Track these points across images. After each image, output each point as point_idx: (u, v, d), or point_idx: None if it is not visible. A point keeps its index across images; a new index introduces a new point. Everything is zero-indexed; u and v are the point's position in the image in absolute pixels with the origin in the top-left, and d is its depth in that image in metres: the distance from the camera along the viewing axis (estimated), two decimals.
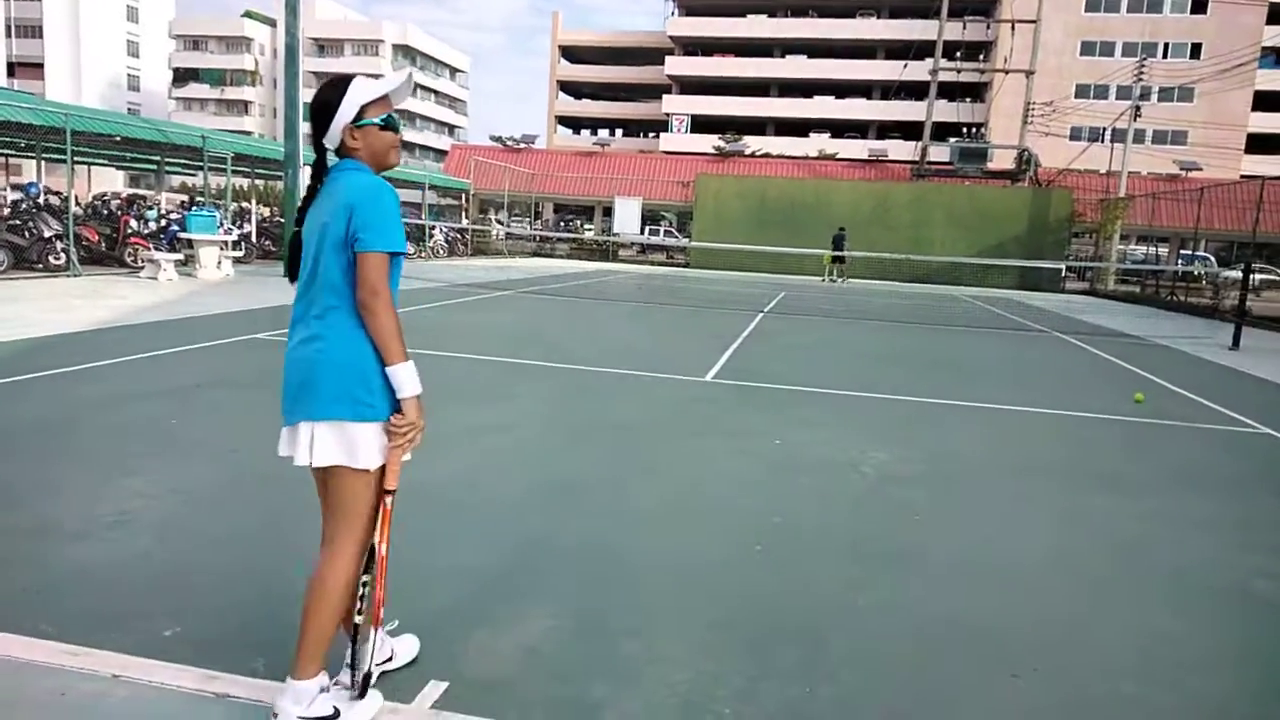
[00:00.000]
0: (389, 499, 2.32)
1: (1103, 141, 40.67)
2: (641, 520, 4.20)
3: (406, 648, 2.69)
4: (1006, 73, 37.35)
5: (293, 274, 2.38)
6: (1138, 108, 32.96)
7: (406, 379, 2.24)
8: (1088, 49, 52.24)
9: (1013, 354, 11.89)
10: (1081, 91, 50.98)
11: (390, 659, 2.62)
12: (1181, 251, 37.79)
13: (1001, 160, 37.22)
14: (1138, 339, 14.60)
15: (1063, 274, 30.68)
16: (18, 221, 14.95)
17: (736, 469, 5.20)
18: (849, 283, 27.68)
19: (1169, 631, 3.29)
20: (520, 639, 2.89)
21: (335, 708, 2.30)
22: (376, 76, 2.41)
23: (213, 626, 2.84)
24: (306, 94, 2.29)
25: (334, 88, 2.32)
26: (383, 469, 2.29)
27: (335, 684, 2.37)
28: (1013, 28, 36.79)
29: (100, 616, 2.86)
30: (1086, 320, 18.10)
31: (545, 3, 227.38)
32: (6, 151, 25.60)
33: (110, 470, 4.42)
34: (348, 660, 2.33)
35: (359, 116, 2.30)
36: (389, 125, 2.34)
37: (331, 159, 2.36)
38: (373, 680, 2.36)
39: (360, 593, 2.32)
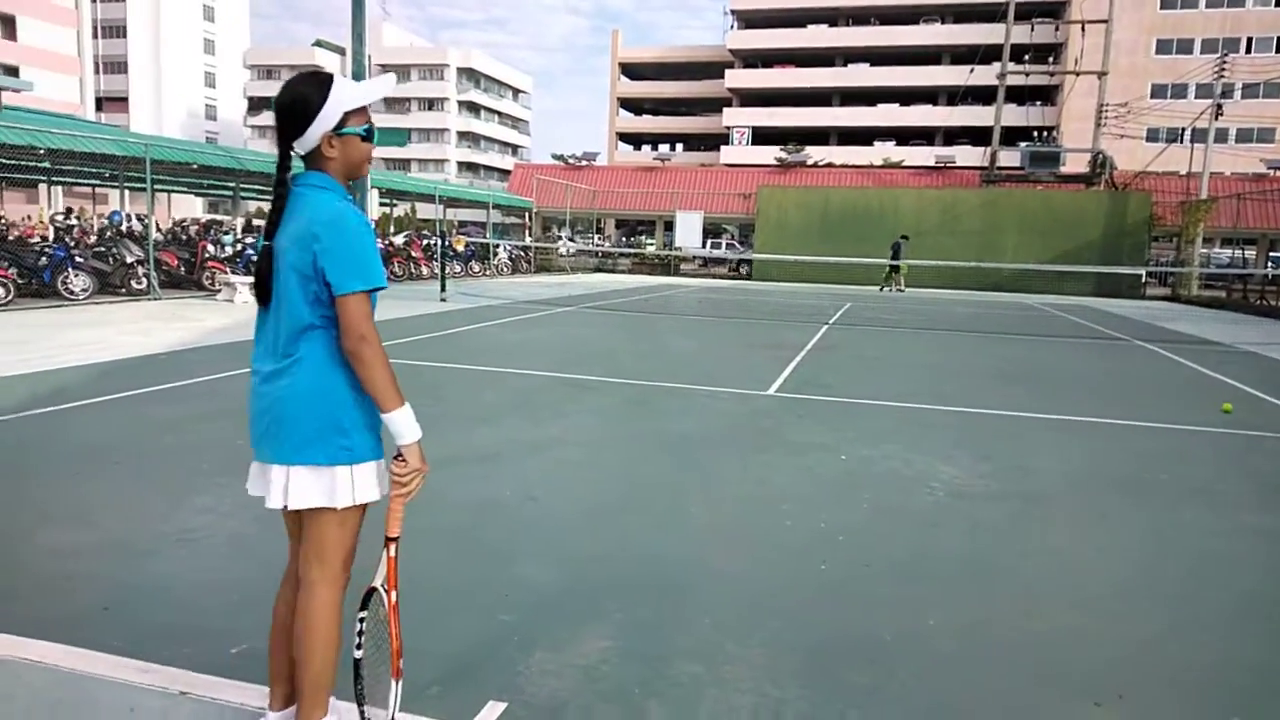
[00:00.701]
0: (393, 547, 2.21)
1: (1181, 142, 39.20)
2: (702, 537, 4.13)
3: None
4: (1077, 75, 36.23)
5: (262, 296, 2.12)
6: (1219, 106, 31.64)
7: (405, 426, 2.07)
8: (1163, 47, 50.60)
9: (1091, 363, 11.48)
10: (1158, 91, 49.32)
11: None
12: (1271, 254, 36.22)
13: (1075, 164, 36.11)
14: (1224, 346, 13.97)
15: (1143, 279, 29.62)
16: (102, 248, 15.63)
17: (800, 485, 5.09)
18: (897, 291, 27.17)
19: (1264, 658, 3.09)
20: (579, 659, 2.85)
21: None
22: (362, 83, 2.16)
23: None
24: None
25: (313, 85, 2.04)
26: (363, 508, 2.16)
27: None
28: (1083, 29, 35.67)
29: (169, 633, 2.91)
30: (1169, 327, 17.39)
31: (604, 22, 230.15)
32: (93, 181, 26.82)
33: (181, 489, 4.53)
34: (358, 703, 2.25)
35: (341, 124, 2.06)
36: (369, 137, 2.12)
37: (296, 164, 2.10)
38: None
39: (358, 628, 2.22)
